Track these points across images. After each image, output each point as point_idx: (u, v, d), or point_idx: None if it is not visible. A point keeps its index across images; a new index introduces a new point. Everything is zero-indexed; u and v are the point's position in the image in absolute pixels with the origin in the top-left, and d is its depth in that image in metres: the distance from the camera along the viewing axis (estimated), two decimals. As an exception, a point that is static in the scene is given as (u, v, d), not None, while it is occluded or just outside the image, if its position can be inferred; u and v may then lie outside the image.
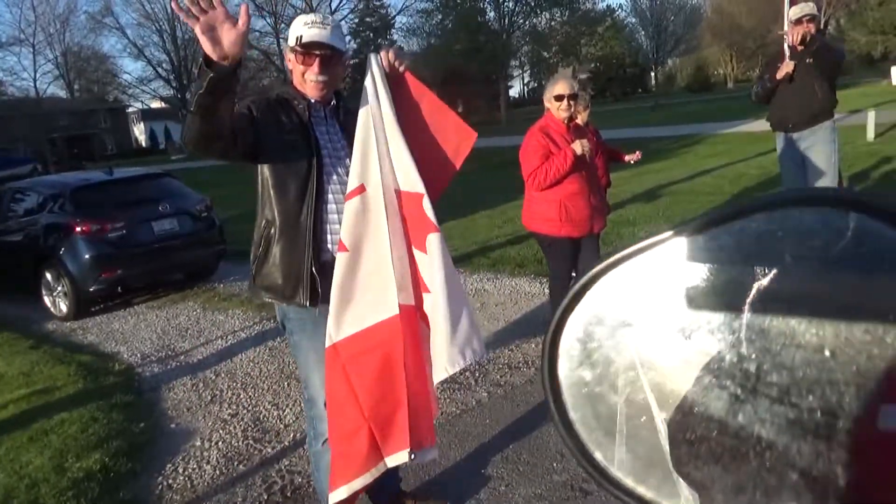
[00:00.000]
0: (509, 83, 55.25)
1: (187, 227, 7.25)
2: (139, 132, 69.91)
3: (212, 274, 7.90)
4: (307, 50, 2.18)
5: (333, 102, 2.34)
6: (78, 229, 6.60)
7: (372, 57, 2.19)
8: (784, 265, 0.51)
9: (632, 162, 6.03)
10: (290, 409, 3.96)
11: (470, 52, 40.65)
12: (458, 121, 2.28)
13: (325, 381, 2.18)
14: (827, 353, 0.49)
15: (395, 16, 51.09)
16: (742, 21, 44.20)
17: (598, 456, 0.65)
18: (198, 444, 3.71)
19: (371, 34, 50.23)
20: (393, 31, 50.57)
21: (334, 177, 2.24)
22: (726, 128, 18.92)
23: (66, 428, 4.03)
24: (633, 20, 47.52)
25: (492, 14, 42.59)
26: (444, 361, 2.08)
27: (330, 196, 2.23)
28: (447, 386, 3.84)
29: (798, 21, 4.88)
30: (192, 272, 7.76)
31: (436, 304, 2.08)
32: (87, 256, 6.56)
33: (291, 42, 2.22)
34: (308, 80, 2.22)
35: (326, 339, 2.12)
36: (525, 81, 74.02)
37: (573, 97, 3.81)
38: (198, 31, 1.73)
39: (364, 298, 2.10)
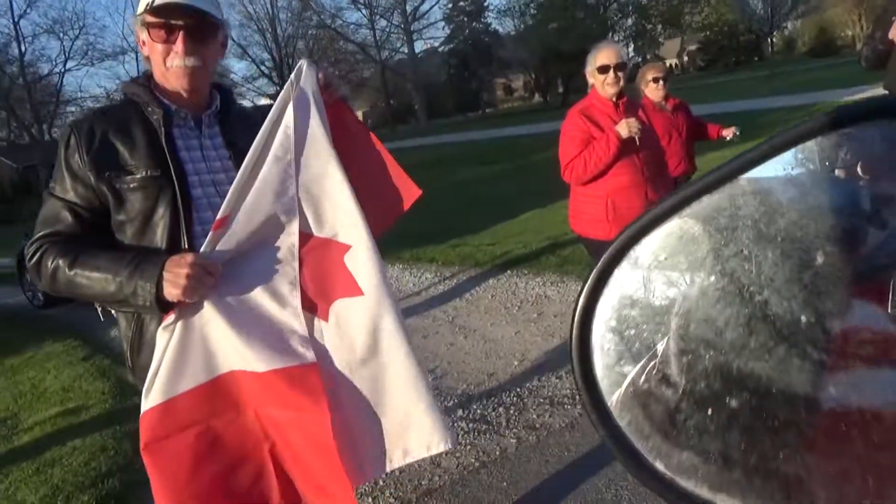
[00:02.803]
0: (611, 60, 52.81)
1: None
2: (250, 129, 73.22)
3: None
4: (164, 18, 1.53)
5: (216, 105, 1.68)
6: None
7: (305, 64, 1.63)
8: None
9: (727, 138, 5.12)
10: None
11: (565, 30, 39.06)
12: (400, 172, 1.72)
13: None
14: None
15: (488, -3, 50.12)
16: (872, -26, 39.70)
17: (659, 466, 0.53)
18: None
19: (465, 18, 49.60)
20: (487, 13, 49.71)
21: (209, 214, 1.57)
22: (850, 94, 16.79)
23: (74, 458, 3.76)
24: (746, -18, 44.07)
25: (588, -13, 40.74)
26: (370, 457, 1.49)
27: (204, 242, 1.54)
28: (473, 427, 3.21)
29: None
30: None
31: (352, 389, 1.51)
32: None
33: (141, 9, 1.55)
34: (171, 68, 1.56)
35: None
36: (628, 57, 70.87)
37: (621, 67, 3.05)
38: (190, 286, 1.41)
39: (183, 363, 1.47)
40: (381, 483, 2.86)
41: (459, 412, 3.41)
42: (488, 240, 7.81)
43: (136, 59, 31.69)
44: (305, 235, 1.54)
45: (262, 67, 49.89)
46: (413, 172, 1.74)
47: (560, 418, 3.16)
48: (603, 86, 3.08)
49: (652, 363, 0.53)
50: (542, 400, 3.39)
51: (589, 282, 0.54)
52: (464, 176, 15.49)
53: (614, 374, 0.54)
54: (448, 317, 5.14)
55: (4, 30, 30.36)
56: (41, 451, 3.96)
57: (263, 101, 62.61)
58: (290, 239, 1.53)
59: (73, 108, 37.47)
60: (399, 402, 1.52)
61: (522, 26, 46.02)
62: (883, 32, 3.93)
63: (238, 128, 1.68)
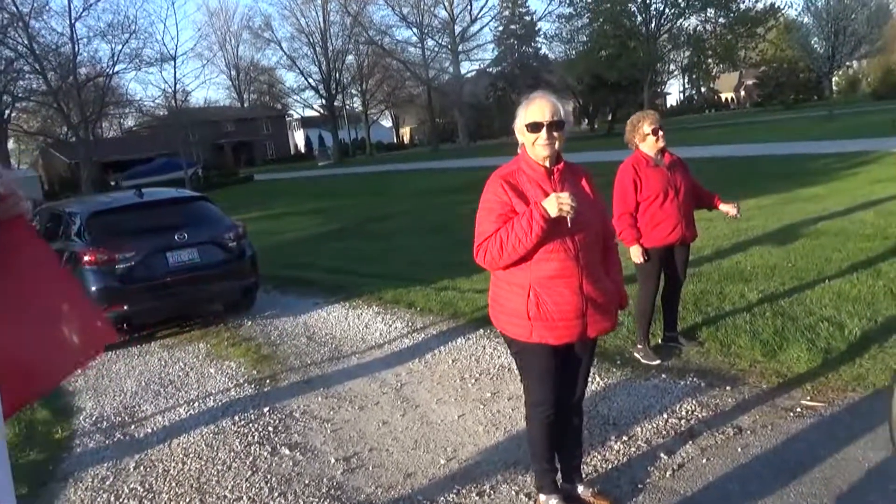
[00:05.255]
0: (665, 90, 51.72)
1: (210, 257, 6.53)
2: (299, 138, 74.34)
3: (249, 307, 7.16)
4: None
5: None
6: (86, 259, 6.04)
7: None
8: None
9: (730, 215, 4.34)
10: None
11: (614, 57, 38.13)
12: (89, 310, 1.37)
13: None
14: None
15: (538, 21, 49.49)
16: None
17: None
18: None
19: (515, 42, 49.16)
20: (538, 38, 49.15)
21: None
22: (911, 143, 15.56)
23: None
24: (807, 20, 42.37)
25: (639, 18, 39.59)
26: None
27: None
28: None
29: None
30: (226, 305, 7.05)
31: None
32: (91, 290, 5.97)
33: None
34: None
35: None
36: (682, 88, 69.63)
37: (557, 126, 2.38)
38: None
39: None
40: None
41: (345, 532, 2.77)
42: (479, 285, 7.13)
43: (174, 66, 32.09)
44: None
45: (310, 80, 50.32)
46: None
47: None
48: (533, 147, 2.42)
49: None
50: (445, 529, 2.72)
51: None
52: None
53: None
54: (397, 383, 4.50)
55: (59, 30, 31.05)
56: None
57: (308, 113, 63.17)
58: None
59: (119, 111, 38.48)
60: None
61: (574, 53, 45.24)
62: None
63: None
